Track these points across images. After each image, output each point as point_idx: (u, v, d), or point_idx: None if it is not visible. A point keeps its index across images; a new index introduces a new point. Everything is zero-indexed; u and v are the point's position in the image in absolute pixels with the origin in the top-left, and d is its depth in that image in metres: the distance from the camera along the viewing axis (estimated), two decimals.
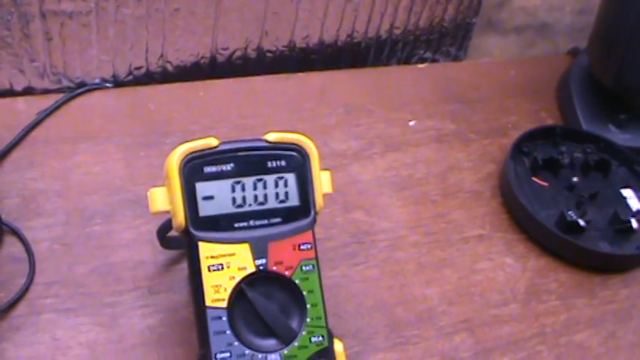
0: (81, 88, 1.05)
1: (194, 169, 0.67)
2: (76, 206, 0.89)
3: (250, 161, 0.69)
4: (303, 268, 0.70)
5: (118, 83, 1.09)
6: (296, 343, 0.68)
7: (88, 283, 0.82)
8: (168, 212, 0.69)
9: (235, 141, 0.69)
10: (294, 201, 0.70)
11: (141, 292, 0.82)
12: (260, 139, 0.70)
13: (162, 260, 0.85)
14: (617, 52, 1.08)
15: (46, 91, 1.05)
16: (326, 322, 0.70)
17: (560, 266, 0.95)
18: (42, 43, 1.01)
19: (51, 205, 0.89)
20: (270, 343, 0.68)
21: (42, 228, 0.86)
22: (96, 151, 0.96)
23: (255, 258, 0.68)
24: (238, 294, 0.67)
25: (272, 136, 0.70)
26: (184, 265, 0.76)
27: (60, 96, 1.03)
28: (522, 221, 0.98)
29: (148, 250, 0.86)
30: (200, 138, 0.68)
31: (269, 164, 0.70)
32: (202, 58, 1.12)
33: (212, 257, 0.67)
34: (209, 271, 0.67)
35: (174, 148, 0.67)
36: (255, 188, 0.69)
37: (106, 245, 0.86)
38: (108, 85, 1.08)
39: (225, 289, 0.67)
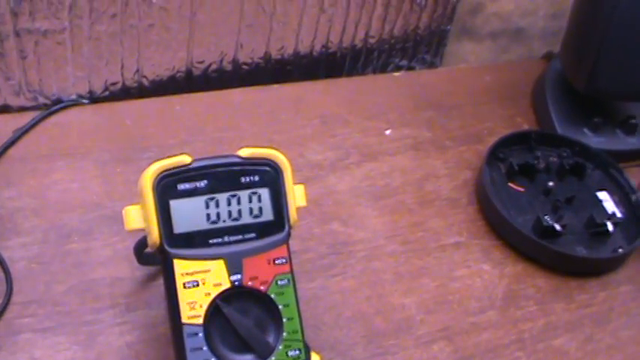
0: (57, 105, 1.05)
1: (168, 186, 0.68)
2: (54, 224, 0.89)
3: (224, 177, 0.70)
4: (279, 282, 0.70)
5: (94, 99, 1.09)
6: (273, 358, 0.68)
7: (65, 301, 0.82)
8: (143, 230, 0.69)
9: (208, 157, 0.70)
10: (268, 216, 0.71)
11: (119, 309, 0.82)
12: (233, 155, 0.70)
13: (140, 276, 0.85)
14: (589, 57, 1.08)
15: (22, 109, 1.05)
16: (302, 336, 0.70)
17: (537, 271, 0.96)
18: (17, 61, 1.01)
19: (28, 224, 0.89)
20: (247, 358, 0.68)
21: (19, 247, 0.86)
22: (73, 168, 0.97)
23: (230, 274, 0.68)
24: (214, 310, 0.68)
25: (245, 152, 0.71)
26: (162, 281, 0.76)
27: (36, 113, 1.03)
28: (499, 227, 0.99)
29: (126, 266, 0.86)
30: (174, 155, 0.68)
31: (242, 180, 0.70)
32: (178, 72, 1.12)
33: (187, 274, 0.67)
34: (184, 287, 0.67)
35: (149, 165, 0.68)
36: (229, 204, 0.69)
37: (84, 263, 0.86)
38: (84, 101, 1.08)
39: (201, 306, 0.67)
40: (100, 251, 0.88)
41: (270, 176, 0.71)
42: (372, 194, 1.01)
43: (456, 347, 0.85)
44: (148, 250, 0.74)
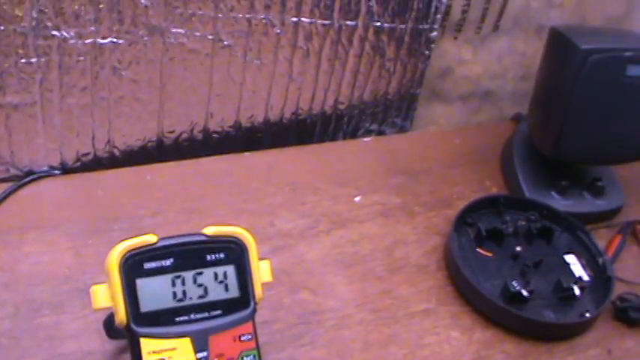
0: (29, 177, 1.06)
1: (134, 265, 0.69)
2: (25, 297, 0.90)
3: (189, 255, 0.71)
4: (244, 358, 0.70)
5: (66, 170, 1.10)
6: None
7: None
8: (111, 308, 0.69)
9: (174, 236, 0.71)
10: (233, 292, 0.72)
11: None
12: (198, 234, 0.72)
13: (111, 350, 0.85)
14: (555, 123, 1.10)
15: None
16: None
17: (505, 337, 0.96)
18: None
19: None
20: None
21: None
22: (44, 241, 0.97)
23: (196, 351, 0.69)
24: None
25: (210, 230, 0.72)
26: None
27: (8, 185, 1.04)
28: (467, 293, 1.00)
29: (97, 339, 0.86)
30: (139, 235, 0.69)
31: (208, 257, 0.71)
32: (149, 142, 1.14)
33: (154, 352, 0.68)
34: None
35: (116, 245, 0.68)
36: (195, 282, 0.70)
37: (55, 337, 0.86)
38: (56, 172, 1.09)
39: None
40: (71, 324, 0.88)
41: (235, 254, 0.72)
42: (342, 262, 1.02)
43: None
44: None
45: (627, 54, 1.05)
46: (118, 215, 1.02)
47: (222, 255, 0.72)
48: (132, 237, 0.69)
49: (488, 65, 1.36)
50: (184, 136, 1.16)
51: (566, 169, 1.19)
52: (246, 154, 1.18)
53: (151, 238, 0.69)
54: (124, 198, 1.05)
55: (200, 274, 0.71)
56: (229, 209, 1.05)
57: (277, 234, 1.04)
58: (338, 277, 1.00)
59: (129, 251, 0.69)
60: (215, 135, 1.18)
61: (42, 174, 1.07)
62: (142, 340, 0.68)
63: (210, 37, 1.08)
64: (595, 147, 1.12)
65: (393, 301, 0.98)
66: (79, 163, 1.10)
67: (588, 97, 1.07)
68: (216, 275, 0.71)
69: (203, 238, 0.71)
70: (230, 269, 0.72)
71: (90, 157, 1.11)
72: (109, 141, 1.10)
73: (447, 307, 0.99)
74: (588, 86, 1.06)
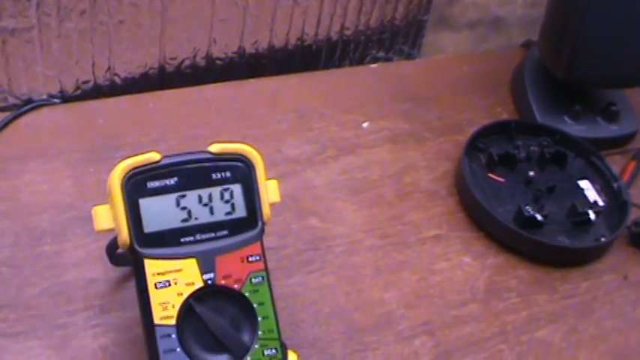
0: (28, 106, 1.03)
1: (137, 185, 0.66)
2: (25, 226, 0.88)
3: (194, 174, 0.68)
4: (253, 280, 0.68)
5: (65, 99, 1.07)
6: (249, 358, 0.67)
7: (37, 305, 0.80)
8: (113, 230, 0.67)
9: (178, 154, 0.68)
10: (240, 212, 0.69)
11: (92, 311, 0.80)
12: (203, 152, 0.69)
13: (114, 277, 0.84)
14: (567, 44, 1.07)
15: None
16: (279, 334, 0.69)
17: (519, 262, 0.95)
18: None
19: None
20: (222, 358, 0.67)
21: None
22: (44, 169, 0.95)
23: (202, 272, 0.67)
24: (187, 310, 0.66)
25: (216, 148, 0.69)
26: None
27: (6, 114, 1.01)
28: (479, 219, 0.98)
29: (99, 267, 0.84)
30: (143, 153, 0.67)
31: (213, 176, 0.69)
32: (151, 68, 1.11)
33: (159, 274, 0.66)
34: (156, 288, 0.66)
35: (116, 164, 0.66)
36: (200, 201, 0.68)
37: (56, 265, 0.84)
38: (55, 100, 1.06)
39: (174, 306, 0.66)
40: (73, 253, 0.86)
41: (242, 172, 0.70)
42: (350, 188, 1.00)
43: (437, 341, 0.84)
44: (120, 250, 0.72)
45: None
46: (120, 143, 1.00)
47: (228, 173, 0.69)
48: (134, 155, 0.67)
49: None
50: (187, 62, 1.13)
51: (579, 93, 1.17)
52: (251, 80, 1.15)
53: (154, 156, 0.67)
54: (126, 126, 1.03)
55: (205, 193, 0.68)
56: (233, 136, 1.03)
57: (284, 160, 1.02)
58: (347, 202, 0.98)
59: (131, 169, 0.66)
60: (218, 61, 1.16)
61: (41, 103, 1.05)
62: (146, 262, 0.66)
63: None
64: (609, 68, 1.09)
65: (404, 227, 0.96)
66: (79, 92, 1.08)
67: (603, 15, 1.04)
68: (222, 194, 0.69)
69: (208, 155, 0.69)
70: (237, 188, 0.69)
71: (90, 84, 1.08)
72: (109, 68, 1.07)
73: (458, 233, 0.97)
74: (603, 3, 1.03)
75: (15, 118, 1.01)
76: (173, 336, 0.65)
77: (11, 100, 1.04)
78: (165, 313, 0.65)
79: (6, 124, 1.00)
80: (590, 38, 1.06)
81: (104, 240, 0.78)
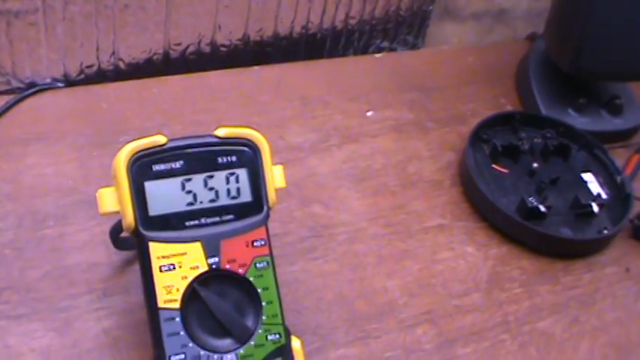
0: (31, 89, 1.03)
1: (142, 167, 0.66)
2: (28, 209, 0.87)
3: (200, 158, 0.68)
4: (257, 265, 0.68)
5: (69, 82, 1.06)
6: (252, 342, 0.67)
7: (40, 287, 0.80)
8: (118, 213, 0.67)
9: (184, 138, 0.68)
10: (246, 197, 0.69)
11: (95, 294, 0.80)
12: (210, 135, 0.69)
13: (117, 261, 0.83)
14: (573, 36, 1.07)
15: None
16: (282, 320, 0.69)
17: (522, 253, 0.95)
18: None
19: (2, 209, 0.87)
20: (226, 342, 0.67)
21: None
22: (48, 152, 0.94)
23: (207, 256, 0.67)
24: (191, 294, 0.66)
25: (222, 132, 0.69)
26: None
27: (10, 97, 1.01)
28: (483, 209, 0.98)
29: (103, 251, 0.84)
30: (148, 136, 0.67)
31: (219, 160, 0.69)
32: (155, 54, 1.10)
33: (163, 257, 0.66)
34: (160, 271, 0.65)
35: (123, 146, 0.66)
36: (205, 185, 0.68)
37: (59, 248, 0.84)
38: (59, 84, 1.06)
39: (178, 290, 0.66)
40: (76, 236, 0.85)
41: (247, 156, 0.70)
42: (354, 176, 1.00)
43: (440, 330, 0.84)
44: (124, 234, 0.72)
45: None
46: (124, 128, 0.99)
47: (234, 158, 0.69)
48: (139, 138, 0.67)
49: None
50: (191, 48, 1.13)
51: (584, 86, 1.17)
52: (255, 67, 1.15)
53: (160, 139, 0.67)
54: (130, 111, 1.02)
55: (211, 177, 0.68)
56: (237, 122, 1.00)
57: (287, 147, 1.01)
58: (350, 190, 0.97)
59: (137, 152, 0.66)
60: (223, 48, 1.15)
61: (45, 86, 1.04)
62: (151, 245, 0.66)
63: None
64: (616, 61, 1.09)
65: (407, 216, 0.96)
66: (82, 76, 1.07)
67: (609, 9, 1.04)
68: (228, 178, 0.68)
69: (214, 139, 0.69)
70: (242, 172, 0.69)
71: (94, 69, 1.07)
72: (113, 52, 1.07)
73: (461, 223, 0.97)
74: None
75: (18, 101, 1.01)
76: (177, 319, 0.65)
77: (15, 84, 1.03)
78: (169, 297, 0.65)
79: (9, 107, 1.00)
80: (596, 31, 1.05)
81: (107, 224, 0.78)
